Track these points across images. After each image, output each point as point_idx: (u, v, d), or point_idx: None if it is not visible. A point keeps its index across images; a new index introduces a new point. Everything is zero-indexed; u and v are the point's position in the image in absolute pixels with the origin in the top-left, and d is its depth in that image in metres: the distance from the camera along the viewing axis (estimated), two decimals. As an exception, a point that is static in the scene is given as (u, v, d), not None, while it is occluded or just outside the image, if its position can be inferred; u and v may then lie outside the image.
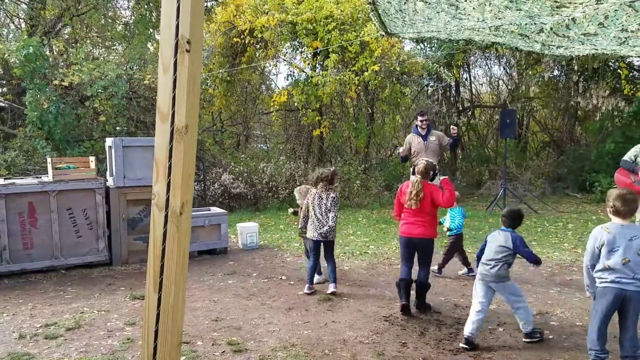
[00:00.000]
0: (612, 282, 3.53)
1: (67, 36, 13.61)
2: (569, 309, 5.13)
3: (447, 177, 5.15)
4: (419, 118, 8.27)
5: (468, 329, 4.25)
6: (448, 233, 6.28)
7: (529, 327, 4.33)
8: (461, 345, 4.23)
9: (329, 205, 5.56)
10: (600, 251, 3.59)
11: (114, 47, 14.30)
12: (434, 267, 6.06)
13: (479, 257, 4.50)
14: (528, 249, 4.34)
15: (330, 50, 11.44)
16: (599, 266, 3.61)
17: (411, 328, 4.66)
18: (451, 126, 8.64)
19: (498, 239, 4.35)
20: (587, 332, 3.72)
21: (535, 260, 4.31)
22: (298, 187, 6.47)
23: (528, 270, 6.52)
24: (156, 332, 1.99)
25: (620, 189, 3.93)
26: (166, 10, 1.89)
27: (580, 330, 4.53)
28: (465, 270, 6.39)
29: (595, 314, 3.64)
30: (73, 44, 12.78)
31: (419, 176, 5.12)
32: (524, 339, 4.34)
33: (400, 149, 8.03)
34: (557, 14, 3.58)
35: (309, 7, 11.73)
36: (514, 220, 4.45)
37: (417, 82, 14.53)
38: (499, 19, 3.32)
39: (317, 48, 11.78)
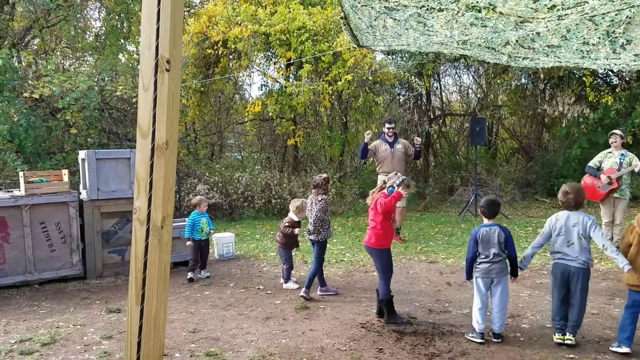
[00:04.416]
0: (559, 259, 4.44)
1: (37, 47, 13.43)
2: (540, 312, 5.28)
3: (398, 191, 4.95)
4: (387, 125, 8.47)
5: (482, 326, 4.52)
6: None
7: (502, 328, 4.57)
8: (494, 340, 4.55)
9: (317, 208, 5.80)
10: (552, 234, 4.48)
11: (85, 59, 14.15)
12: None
13: (472, 259, 4.58)
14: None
15: (303, 60, 11.55)
16: (551, 247, 4.49)
17: (387, 334, 4.75)
18: (415, 137, 8.77)
19: (493, 234, 4.50)
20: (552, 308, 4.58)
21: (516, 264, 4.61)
22: (294, 200, 6.52)
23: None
24: (139, 343, 2.04)
25: (565, 184, 4.71)
26: (146, 30, 1.95)
27: (550, 332, 4.67)
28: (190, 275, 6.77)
29: (552, 289, 4.53)
30: (43, 56, 12.62)
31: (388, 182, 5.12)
32: (494, 339, 4.54)
33: (367, 136, 8.19)
34: (521, 29, 3.75)
35: (282, 19, 11.83)
36: (493, 209, 4.70)
37: (389, 91, 14.77)
38: (466, 35, 3.46)
39: (291, 59, 11.88)
